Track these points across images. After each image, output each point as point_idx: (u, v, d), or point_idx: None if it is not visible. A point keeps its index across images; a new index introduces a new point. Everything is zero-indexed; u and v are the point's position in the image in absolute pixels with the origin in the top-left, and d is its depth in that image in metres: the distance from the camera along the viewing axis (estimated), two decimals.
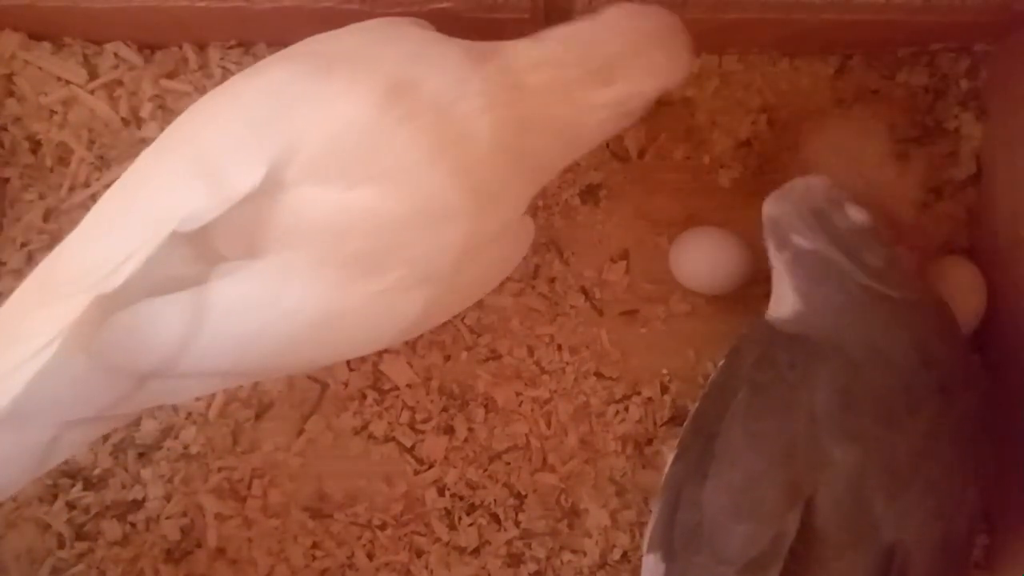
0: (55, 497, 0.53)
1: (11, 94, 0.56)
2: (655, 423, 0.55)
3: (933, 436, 0.43)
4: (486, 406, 0.55)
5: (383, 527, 0.54)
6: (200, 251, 0.39)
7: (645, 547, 0.46)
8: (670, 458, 0.47)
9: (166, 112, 0.55)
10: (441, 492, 0.54)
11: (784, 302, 0.46)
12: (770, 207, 0.46)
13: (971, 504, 0.44)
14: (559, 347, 0.55)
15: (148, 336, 0.38)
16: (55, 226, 0.55)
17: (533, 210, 0.55)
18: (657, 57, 0.45)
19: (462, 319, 0.55)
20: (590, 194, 0.56)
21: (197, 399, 0.54)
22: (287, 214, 0.39)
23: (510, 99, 0.42)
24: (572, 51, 0.44)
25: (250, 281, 0.39)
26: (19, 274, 0.55)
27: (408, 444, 0.54)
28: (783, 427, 0.43)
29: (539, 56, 0.44)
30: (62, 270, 0.39)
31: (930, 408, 0.43)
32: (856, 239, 0.44)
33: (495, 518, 0.54)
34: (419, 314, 0.42)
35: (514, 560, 0.54)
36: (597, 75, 0.44)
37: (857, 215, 0.45)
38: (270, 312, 0.39)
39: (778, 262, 0.46)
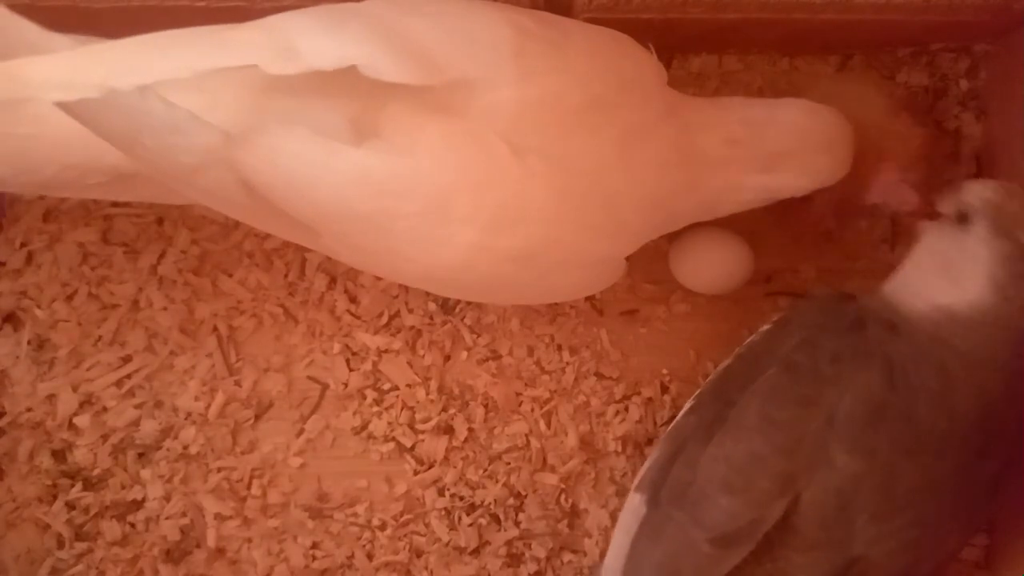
0: (55, 497, 0.53)
1: None
2: (655, 423, 0.55)
3: (942, 483, 0.43)
4: (486, 406, 0.55)
5: (383, 527, 0.54)
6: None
7: (635, 484, 0.47)
8: (686, 407, 0.48)
9: None
10: (441, 492, 0.54)
11: (963, 287, 0.43)
12: (994, 194, 0.44)
13: (949, 551, 0.45)
14: (559, 347, 0.55)
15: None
16: (55, 226, 0.55)
17: None
18: (821, 161, 0.47)
19: (462, 319, 0.55)
20: None
21: (196, 399, 0.54)
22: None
23: (680, 160, 0.44)
24: (748, 132, 0.46)
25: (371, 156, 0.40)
26: (19, 274, 0.55)
27: (408, 444, 0.54)
28: (798, 421, 0.43)
29: (719, 130, 0.45)
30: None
31: (958, 464, 0.43)
32: None
33: (495, 518, 0.54)
34: (459, 259, 0.42)
35: (514, 560, 0.54)
36: (761, 161, 0.46)
37: None
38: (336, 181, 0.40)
39: (983, 247, 0.43)
